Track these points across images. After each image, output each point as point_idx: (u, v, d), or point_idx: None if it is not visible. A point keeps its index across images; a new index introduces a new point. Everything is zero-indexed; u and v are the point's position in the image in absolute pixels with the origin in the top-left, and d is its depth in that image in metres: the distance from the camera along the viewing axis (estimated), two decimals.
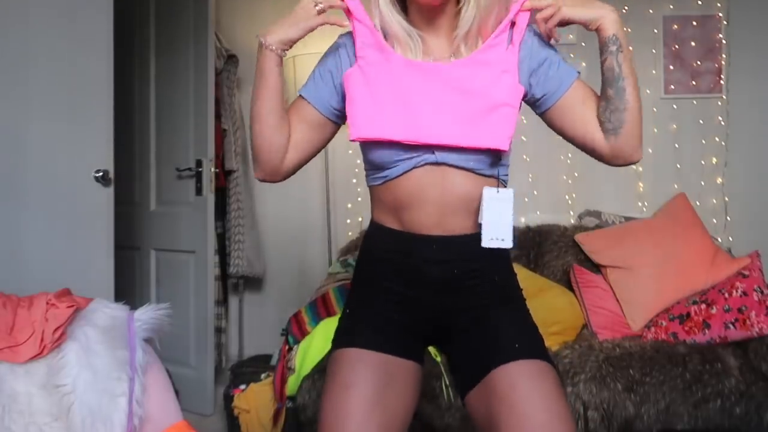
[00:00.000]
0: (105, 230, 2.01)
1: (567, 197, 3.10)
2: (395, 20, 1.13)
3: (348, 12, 1.16)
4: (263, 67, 1.20)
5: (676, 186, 3.02)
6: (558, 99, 1.20)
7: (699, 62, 3.05)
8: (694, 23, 3.05)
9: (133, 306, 1.15)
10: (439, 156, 1.11)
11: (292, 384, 2.25)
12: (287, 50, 1.20)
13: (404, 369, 1.15)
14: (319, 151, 1.26)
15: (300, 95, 1.23)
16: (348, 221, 3.17)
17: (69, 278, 1.87)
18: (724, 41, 3.04)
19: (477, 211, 1.14)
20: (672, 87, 3.07)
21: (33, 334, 1.02)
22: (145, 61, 2.94)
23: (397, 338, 1.17)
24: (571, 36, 3.10)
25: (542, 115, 1.22)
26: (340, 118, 1.22)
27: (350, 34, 1.20)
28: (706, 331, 2.24)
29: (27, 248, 1.89)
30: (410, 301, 1.18)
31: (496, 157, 1.14)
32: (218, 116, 2.90)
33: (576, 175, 3.10)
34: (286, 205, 3.22)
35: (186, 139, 2.78)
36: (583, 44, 3.10)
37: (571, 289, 2.60)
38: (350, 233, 3.11)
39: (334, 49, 1.22)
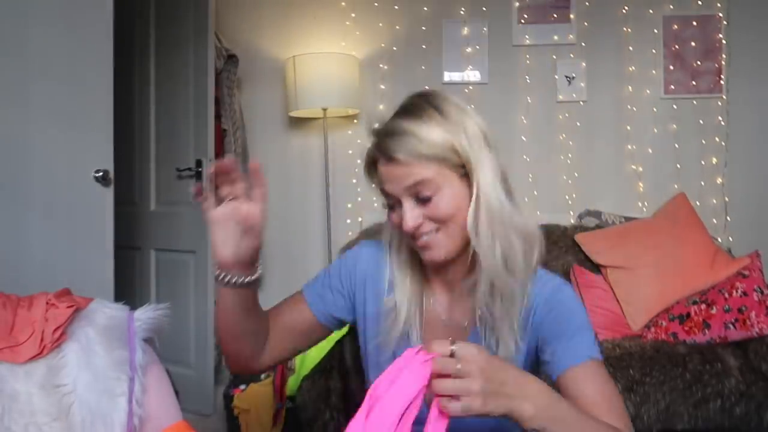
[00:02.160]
0: (105, 230, 2.01)
1: (567, 197, 3.10)
2: None
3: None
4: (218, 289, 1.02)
5: (676, 186, 3.02)
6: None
7: (699, 62, 3.05)
8: (694, 23, 3.05)
9: (133, 306, 1.14)
10: None
11: (292, 384, 2.26)
12: (231, 272, 0.98)
13: None
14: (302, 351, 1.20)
15: (302, 293, 1.18)
16: (348, 221, 3.17)
17: (69, 278, 1.87)
18: (724, 41, 3.04)
19: None
20: (672, 87, 3.07)
21: (33, 334, 1.02)
22: (145, 61, 2.95)
23: None
24: (571, 36, 3.10)
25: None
26: (337, 327, 1.17)
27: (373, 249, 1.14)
28: (706, 331, 2.24)
29: (27, 248, 1.89)
30: None
31: None
32: (218, 116, 2.90)
33: (576, 175, 3.10)
34: (286, 205, 3.22)
35: (186, 139, 2.78)
36: (583, 44, 3.10)
37: None
38: (350, 233, 3.11)
39: (353, 260, 1.15)
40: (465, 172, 0.97)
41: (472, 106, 1.03)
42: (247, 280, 0.98)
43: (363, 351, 1.16)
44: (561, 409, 0.82)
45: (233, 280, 0.98)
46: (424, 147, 0.95)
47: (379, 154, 0.99)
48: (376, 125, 1.02)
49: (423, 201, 0.97)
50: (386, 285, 1.11)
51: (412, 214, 0.98)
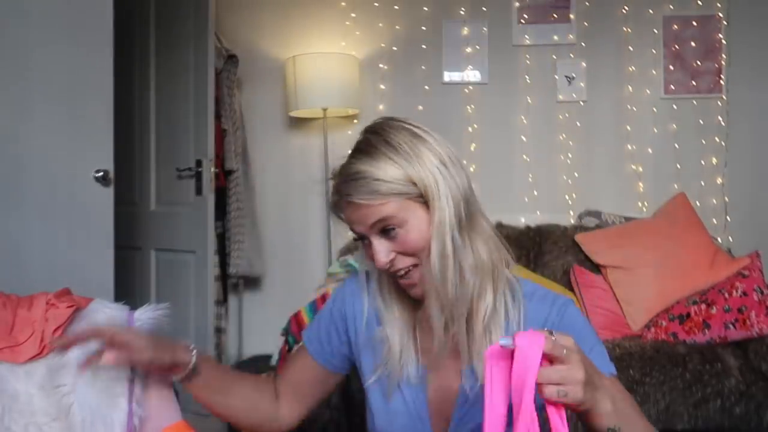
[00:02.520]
0: (105, 230, 2.01)
1: (567, 197, 3.10)
2: None
3: None
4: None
5: (676, 186, 3.02)
6: None
7: (699, 62, 3.05)
8: (694, 23, 3.05)
9: (133, 306, 1.14)
10: None
11: None
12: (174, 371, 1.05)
13: None
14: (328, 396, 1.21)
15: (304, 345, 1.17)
16: None
17: (69, 278, 1.87)
18: (724, 41, 3.04)
19: None
20: (672, 87, 3.07)
21: (33, 334, 1.02)
22: (145, 61, 2.94)
23: None
24: (571, 36, 3.10)
25: None
26: (340, 368, 1.17)
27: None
28: (706, 331, 2.24)
29: (27, 248, 1.89)
30: None
31: None
32: (218, 116, 2.90)
33: (576, 175, 3.10)
34: (286, 205, 3.22)
35: (186, 139, 2.78)
36: (583, 44, 3.10)
37: (571, 289, 2.60)
38: (350, 233, 3.10)
39: (341, 294, 1.16)
40: (426, 201, 0.97)
41: (424, 128, 1.00)
42: (185, 374, 1.04)
43: (366, 387, 1.13)
44: (626, 408, 0.85)
45: (179, 379, 1.05)
46: (380, 186, 0.95)
47: (340, 199, 1.00)
48: (336, 167, 1.02)
49: (390, 236, 0.97)
50: (369, 316, 1.11)
51: (381, 250, 0.98)
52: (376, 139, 0.98)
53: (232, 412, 1.12)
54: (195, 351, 1.05)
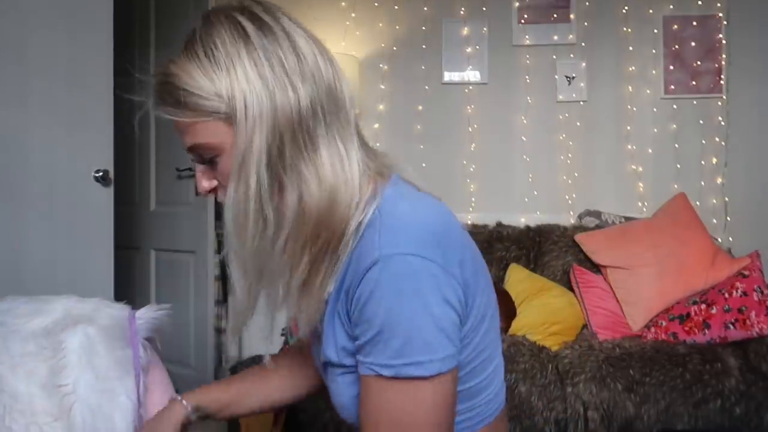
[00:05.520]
0: (105, 230, 2.01)
1: (567, 197, 3.10)
2: None
3: None
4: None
5: (676, 186, 3.02)
6: None
7: (699, 62, 3.05)
8: (694, 23, 3.05)
9: (133, 306, 1.14)
10: None
11: None
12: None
13: None
14: None
15: None
16: None
17: (69, 278, 1.88)
18: (724, 41, 3.04)
19: None
20: (672, 87, 3.07)
21: None
22: (145, 60, 2.94)
23: None
24: (571, 36, 3.10)
25: None
26: None
27: None
28: (706, 331, 2.24)
29: (27, 248, 1.89)
30: None
31: None
32: None
33: (576, 175, 3.10)
34: None
35: None
36: (583, 44, 3.10)
37: (571, 289, 2.60)
38: None
39: None
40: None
41: (266, 20, 0.79)
42: (195, 421, 1.02)
43: None
44: None
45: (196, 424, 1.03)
46: (187, 97, 0.82)
47: (156, 106, 0.86)
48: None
49: (213, 162, 0.82)
50: None
51: (201, 177, 0.85)
52: (200, 32, 0.80)
53: (261, 407, 1.11)
54: (182, 399, 1.00)
